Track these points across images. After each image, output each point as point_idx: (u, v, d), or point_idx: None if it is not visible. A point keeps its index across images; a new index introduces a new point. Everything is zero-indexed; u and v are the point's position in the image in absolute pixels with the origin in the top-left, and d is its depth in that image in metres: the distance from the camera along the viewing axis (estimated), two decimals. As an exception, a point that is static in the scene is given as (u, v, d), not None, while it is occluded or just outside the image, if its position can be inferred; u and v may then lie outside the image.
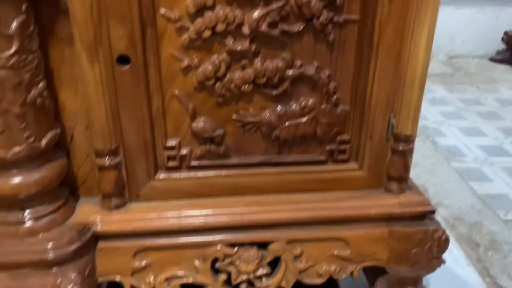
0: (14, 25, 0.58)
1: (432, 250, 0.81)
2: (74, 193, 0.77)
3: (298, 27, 0.69)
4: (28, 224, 0.70)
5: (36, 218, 0.70)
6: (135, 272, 0.76)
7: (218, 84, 0.71)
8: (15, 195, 0.67)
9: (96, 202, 0.77)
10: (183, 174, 0.77)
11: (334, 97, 0.74)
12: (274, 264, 0.80)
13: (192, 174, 0.77)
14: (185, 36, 0.67)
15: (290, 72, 0.71)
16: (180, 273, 0.77)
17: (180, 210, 0.76)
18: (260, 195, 0.79)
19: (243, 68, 0.71)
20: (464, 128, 1.87)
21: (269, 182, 0.79)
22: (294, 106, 0.75)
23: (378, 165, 0.79)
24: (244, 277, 0.79)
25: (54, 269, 0.70)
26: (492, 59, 2.93)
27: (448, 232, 0.81)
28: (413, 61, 0.71)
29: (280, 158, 0.79)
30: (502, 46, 2.95)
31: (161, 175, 0.77)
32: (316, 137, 0.77)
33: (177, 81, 0.71)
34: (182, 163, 0.77)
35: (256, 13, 0.67)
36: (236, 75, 0.71)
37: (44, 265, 0.69)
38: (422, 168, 1.50)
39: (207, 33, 0.67)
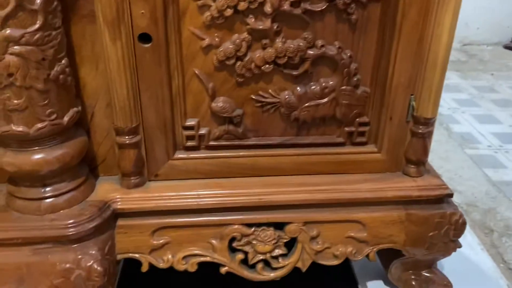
0: (38, 0, 0.57)
1: (449, 234, 0.80)
2: (94, 171, 0.78)
3: (320, 6, 0.68)
4: (49, 200, 0.71)
5: (57, 195, 0.71)
6: (153, 250, 0.76)
7: (238, 63, 0.71)
8: (36, 171, 0.67)
9: (115, 180, 0.77)
10: (202, 154, 0.78)
11: (355, 78, 0.74)
12: (290, 245, 0.80)
13: (211, 154, 0.78)
14: (207, 14, 0.67)
15: (311, 52, 0.71)
16: (198, 251, 0.77)
17: (198, 189, 0.77)
18: (277, 176, 0.80)
19: (264, 47, 0.70)
20: (478, 115, 1.85)
21: (287, 163, 0.79)
22: (314, 87, 0.74)
23: (396, 148, 0.79)
24: (260, 257, 0.79)
25: (75, 245, 0.71)
26: (507, 47, 2.89)
27: (463, 216, 0.81)
28: (436, 43, 0.70)
29: (298, 139, 0.78)
30: (517, 33, 2.90)
31: (180, 155, 0.77)
32: (335, 119, 0.77)
33: (198, 60, 0.71)
34: (201, 143, 0.77)
35: (279, -8, 0.66)
36: (257, 54, 0.70)
37: (65, 241, 0.70)
38: (435, 155, 1.50)
39: (229, 11, 0.67)
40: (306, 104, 0.75)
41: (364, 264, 0.97)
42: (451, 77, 2.31)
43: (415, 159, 0.79)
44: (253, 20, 0.68)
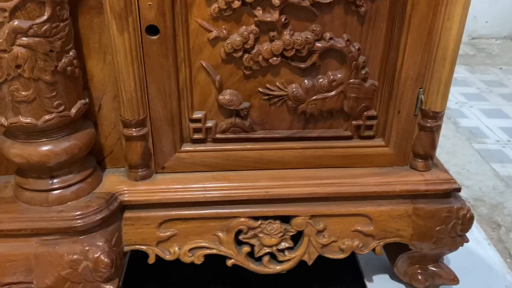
0: (46, -9, 0.57)
1: (456, 228, 0.80)
2: (101, 163, 0.78)
3: (329, -2, 0.67)
4: (57, 192, 0.71)
5: (64, 187, 0.71)
6: (160, 242, 0.77)
7: (245, 56, 0.70)
8: (44, 163, 0.68)
9: (122, 172, 0.77)
10: (208, 146, 0.78)
11: (363, 71, 0.73)
12: (297, 238, 0.80)
13: (217, 146, 0.78)
14: (215, 6, 0.67)
15: (319, 44, 0.70)
16: (204, 244, 0.78)
17: (204, 182, 0.77)
18: (284, 169, 0.80)
19: (272, 40, 0.70)
20: (486, 109, 1.84)
21: (294, 156, 0.79)
22: (321, 80, 0.74)
23: (404, 142, 0.79)
24: (267, 250, 0.79)
25: (82, 237, 0.71)
26: (516, 41, 2.85)
27: (471, 211, 0.81)
28: (446, 36, 0.69)
29: (305, 132, 0.78)
30: (526, 27, 2.86)
31: (187, 147, 0.77)
32: (342, 112, 0.77)
33: (205, 52, 0.70)
34: (208, 136, 0.77)
35: (287, -17, 0.66)
36: (264, 47, 0.70)
37: (72, 232, 0.71)
38: (443, 149, 1.49)
39: (236, 3, 0.66)
40: (314, 97, 0.75)
41: (370, 258, 0.97)
42: (459, 71, 2.29)
43: (423, 153, 0.79)
44: (261, 12, 0.68)
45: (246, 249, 0.79)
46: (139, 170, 0.75)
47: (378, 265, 0.96)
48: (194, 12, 0.67)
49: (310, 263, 0.81)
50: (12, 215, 0.70)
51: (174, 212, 0.76)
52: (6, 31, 0.58)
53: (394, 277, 0.93)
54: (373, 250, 0.81)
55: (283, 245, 0.80)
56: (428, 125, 0.76)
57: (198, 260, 0.78)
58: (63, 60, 0.63)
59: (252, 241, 0.79)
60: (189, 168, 0.78)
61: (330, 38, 0.70)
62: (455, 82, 2.14)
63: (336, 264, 0.86)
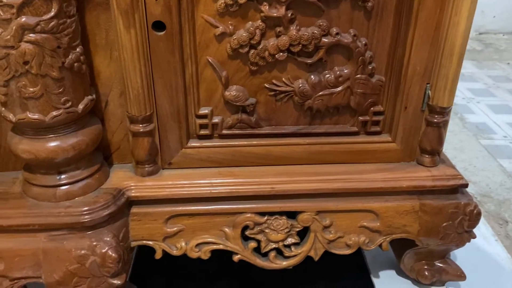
0: (53, -13, 0.58)
1: (463, 224, 0.80)
2: (108, 159, 0.78)
3: (335, -7, 0.67)
4: (65, 187, 0.72)
5: (72, 182, 0.72)
6: (167, 237, 0.77)
7: (252, 51, 0.70)
8: (52, 159, 0.68)
9: (129, 168, 0.78)
10: (215, 142, 0.78)
11: (370, 67, 0.73)
12: (303, 233, 0.80)
13: (224, 142, 0.78)
14: (221, 1, 0.67)
15: (325, 40, 0.70)
16: (211, 239, 0.78)
17: (211, 178, 0.77)
18: (290, 165, 0.80)
19: (278, 35, 0.70)
20: (493, 105, 1.82)
21: (300, 152, 0.79)
22: (328, 75, 0.73)
23: (411, 138, 0.78)
24: (273, 245, 0.79)
25: (90, 232, 0.71)
26: (524, 36, 2.82)
27: (478, 207, 0.80)
28: (453, 31, 0.69)
29: (311, 128, 0.78)
30: (535, 22, 2.83)
31: (193, 143, 0.77)
32: (349, 108, 0.76)
33: (211, 48, 0.70)
34: (214, 132, 0.77)
35: (293, -21, 0.65)
36: (271, 42, 0.70)
37: (80, 227, 0.71)
38: (450, 145, 1.48)
39: (243, -1, 0.66)
40: (320, 93, 0.74)
41: (376, 254, 0.97)
42: (466, 66, 2.28)
43: (430, 149, 0.78)
44: (267, 7, 0.67)
45: (253, 244, 0.79)
46: (146, 166, 0.76)
47: (384, 261, 0.96)
48: (200, 7, 0.67)
49: (316, 258, 0.81)
50: (21, 210, 0.71)
51: (180, 208, 0.76)
52: (14, 27, 0.58)
53: (400, 273, 0.93)
54: (380, 246, 0.81)
55: (289, 240, 0.80)
56: (435, 120, 0.75)
57: (205, 256, 0.79)
58: (70, 56, 0.63)
59: (259, 237, 0.79)
60: (195, 164, 0.78)
61: (337, 34, 0.70)
62: (462, 77, 2.12)
63: (342, 260, 0.86)
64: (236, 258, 0.79)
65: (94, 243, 0.71)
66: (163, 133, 0.75)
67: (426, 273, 0.86)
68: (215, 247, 0.79)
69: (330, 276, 0.93)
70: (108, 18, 0.67)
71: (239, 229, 0.78)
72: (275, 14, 0.68)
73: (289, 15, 0.68)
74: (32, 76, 0.61)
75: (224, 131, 0.77)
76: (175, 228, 0.77)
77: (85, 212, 0.71)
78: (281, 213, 0.78)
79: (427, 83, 0.74)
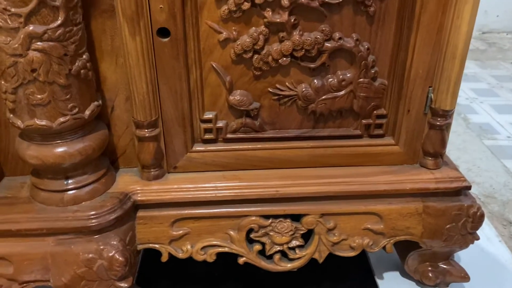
0: (60, -4, 0.59)
1: (467, 226, 0.80)
2: (114, 163, 0.79)
3: (338, -2, 0.68)
4: (72, 192, 0.73)
5: (79, 187, 0.73)
6: (172, 240, 0.78)
7: (255, 57, 0.71)
8: (59, 164, 0.69)
9: (135, 172, 0.79)
10: (219, 146, 0.79)
11: (373, 71, 0.74)
12: (307, 236, 0.81)
13: (228, 146, 0.79)
14: (224, 8, 0.67)
15: (328, 44, 0.71)
16: (216, 242, 0.79)
17: (215, 181, 0.78)
18: (294, 168, 0.80)
19: (281, 40, 0.70)
20: (497, 105, 1.82)
21: (304, 155, 0.80)
22: (331, 79, 0.74)
23: (414, 140, 0.79)
24: (278, 248, 0.80)
25: (97, 236, 0.72)
26: (528, 35, 2.82)
27: (481, 209, 0.81)
28: (455, 34, 0.69)
29: (315, 132, 0.79)
30: (538, 21, 2.82)
31: (198, 147, 0.78)
32: (352, 111, 0.77)
33: (215, 53, 0.71)
34: (218, 136, 0.78)
35: (296, -16, 0.66)
36: (274, 47, 0.71)
37: (87, 232, 0.72)
38: (453, 146, 1.48)
39: (246, 5, 0.67)
40: (323, 97, 0.75)
41: (380, 255, 0.98)
42: (469, 66, 2.28)
43: (433, 151, 0.79)
44: (270, 13, 0.68)
45: (257, 247, 0.80)
46: (152, 170, 0.77)
47: (388, 263, 0.97)
48: (204, 14, 0.68)
49: (320, 261, 0.82)
50: (29, 215, 0.72)
51: (186, 211, 0.77)
52: (22, 36, 0.59)
53: (404, 274, 0.93)
54: (384, 248, 0.82)
55: (294, 243, 0.80)
56: (437, 123, 0.76)
57: (210, 258, 0.79)
58: (76, 64, 0.64)
59: (263, 240, 0.80)
60: (200, 168, 0.79)
61: (340, 38, 0.71)
62: (465, 77, 2.12)
63: (346, 262, 0.87)
64: (241, 260, 0.80)
65: (101, 247, 0.72)
66: (168, 138, 0.76)
67: (430, 275, 0.87)
68: (220, 250, 0.79)
69: (334, 278, 0.93)
70: (113, 25, 0.68)
71: (244, 232, 0.78)
72: (278, 20, 0.68)
73: (292, 20, 0.69)
74: (40, 84, 0.63)
75: (229, 135, 0.78)
76: (180, 231, 0.78)
77: (92, 216, 0.72)
78: (285, 216, 0.79)
79: (430, 86, 0.74)
